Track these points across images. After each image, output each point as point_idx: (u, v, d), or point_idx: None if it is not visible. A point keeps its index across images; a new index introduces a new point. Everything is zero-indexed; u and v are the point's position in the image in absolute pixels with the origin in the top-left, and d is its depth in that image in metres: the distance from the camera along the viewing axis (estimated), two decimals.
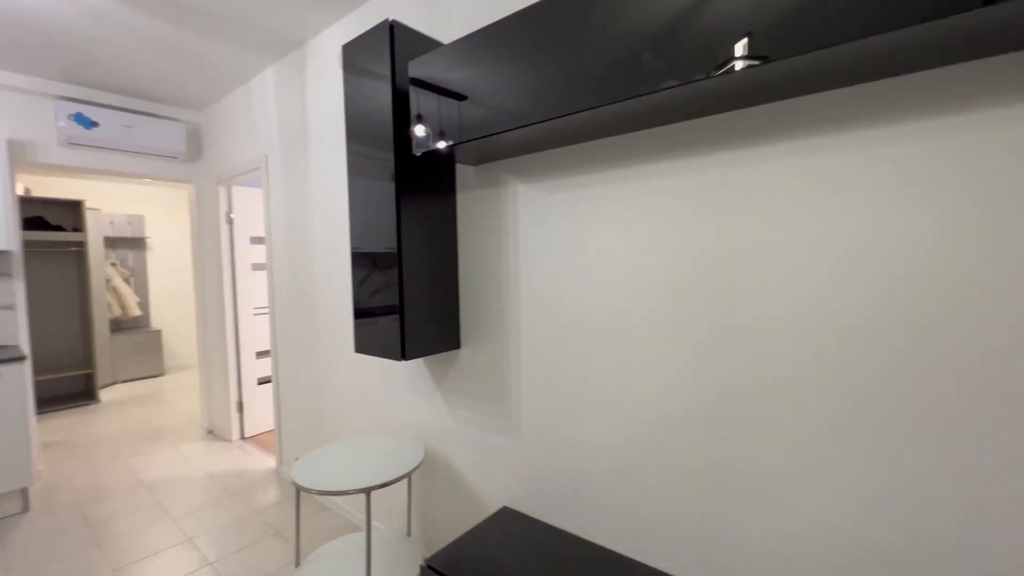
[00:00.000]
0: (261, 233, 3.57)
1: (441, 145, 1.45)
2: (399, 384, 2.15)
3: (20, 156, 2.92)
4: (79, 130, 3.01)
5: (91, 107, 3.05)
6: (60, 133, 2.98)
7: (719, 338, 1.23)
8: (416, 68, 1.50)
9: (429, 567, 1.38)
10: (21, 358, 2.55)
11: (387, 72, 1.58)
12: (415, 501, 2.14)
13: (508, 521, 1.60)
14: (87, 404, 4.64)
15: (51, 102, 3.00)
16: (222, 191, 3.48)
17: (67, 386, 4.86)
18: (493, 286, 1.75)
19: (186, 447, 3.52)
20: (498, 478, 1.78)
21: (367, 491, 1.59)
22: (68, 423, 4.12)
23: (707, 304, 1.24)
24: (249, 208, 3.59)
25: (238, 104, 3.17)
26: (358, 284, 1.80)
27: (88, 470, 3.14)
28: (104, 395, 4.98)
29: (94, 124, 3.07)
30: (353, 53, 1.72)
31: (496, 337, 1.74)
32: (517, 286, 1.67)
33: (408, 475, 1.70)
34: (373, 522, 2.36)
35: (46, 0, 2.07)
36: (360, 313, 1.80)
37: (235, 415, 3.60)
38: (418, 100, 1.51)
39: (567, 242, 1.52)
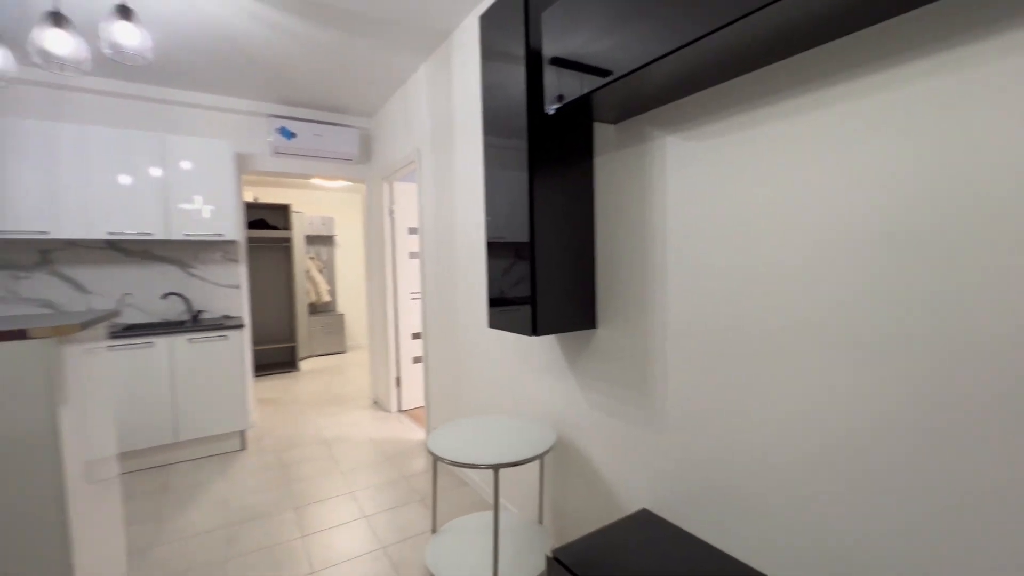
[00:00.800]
0: (417, 224, 3.89)
1: (579, 91, 1.31)
2: (533, 364, 2.09)
3: (244, 165, 3.65)
4: (283, 141, 3.64)
5: (290, 121, 3.66)
6: (270, 145, 3.64)
7: (968, 328, 0.86)
8: (551, 14, 1.39)
9: (556, 559, 1.26)
10: (242, 326, 3.17)
11: (521, 31, 1.51)
12: (547, 488, 2.05)
13: (647, 525, 1.39)
14: (290, 371, 5.67)
15: (263, 119, 3.68)
16: (385, 187, 3.88)
17: (276, 356, 6.00)
18: (635, 259, 1.55)
19: (356, 413, 4.02)
20: (637, 474, 1.58)
21: (495, 467, 1.54)
22: (276, 385, 5.07)
23: (944, 272, 0.88)
24: (408, 201, 3.94)
25: (398, 106, 3.49)
26: (492, 259, 1.77)
27: (286, 423, 3.79)
28: (302, 365, 6.02)
29: (293, 135, 3.67)
30: (488, 22, 1.69)
31: (637, 316, 1.55)
32: (664, 259, 1.44)
33: (538, 458, 1.61)
34: (507, 504, 2.34)
35: (249, 25, 2.50)
36: (493, 289, 1.77)
37: (394, 389, 3.99)
38: (554, 43, 1.39)
39: (732, 200, 1.25)
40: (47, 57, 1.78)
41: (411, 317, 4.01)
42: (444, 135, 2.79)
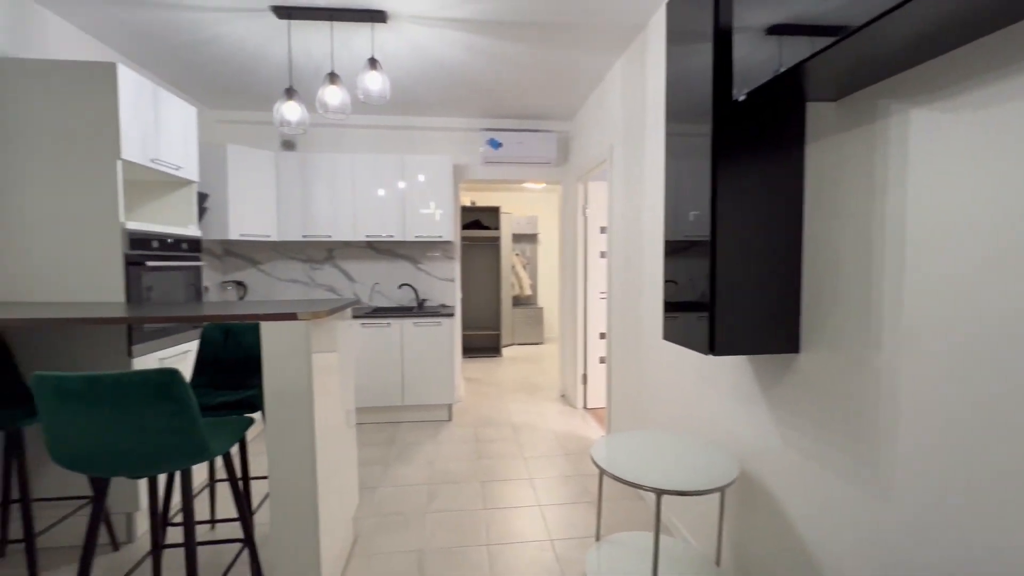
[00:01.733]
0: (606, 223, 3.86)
1: (789, 60, 1.09)
2: (718, 384, 1.84)
3: (460, 175, 4.21)
4: (491, 151, 4.06)
5: (497, 132, 4.05)
6: (481, 155, 4.11)
7: None
8: None
9: None
10: (452, 314, 3.69)
11: (709, 4, 1.33)
12: (727, 525, 1.80)
13: None
14: (494, 356, 6.33)
15: (476, 133, 4.17)
16: (579, 187, 3.95)
17: (483, 341, 6.77)
18: (858, 268, 1.21)
19: (544, 404, 4.24)
20: (845, 542, 1.25)
21: (658, 492, 1.42)
22: (481, 368, 5.74)
23: None
24: (600, 200, 3.93)
25: (594, 106, 3.50)
26: (669, 260, 1.63)
27: (485, 403, 4.26)
28: (505, 352, 6.65)
29: (500, 144, 4.06)
30: (674, 4, 1.54)
31: (858, 344, 1.21)
32: (900, 269, 1.09)
33: (716, 491, 1.42)
34: (683, 532, 2.14)
35: (464, 55, 2.84)
36: (669, 295, 1.63)
37: (580, 386, 4.07)
38: (753, 8, 1.18)
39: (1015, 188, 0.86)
40: (325, 107, 2.39)
41: (599, 316, 4.01)
42: (635, 130, 2.68)
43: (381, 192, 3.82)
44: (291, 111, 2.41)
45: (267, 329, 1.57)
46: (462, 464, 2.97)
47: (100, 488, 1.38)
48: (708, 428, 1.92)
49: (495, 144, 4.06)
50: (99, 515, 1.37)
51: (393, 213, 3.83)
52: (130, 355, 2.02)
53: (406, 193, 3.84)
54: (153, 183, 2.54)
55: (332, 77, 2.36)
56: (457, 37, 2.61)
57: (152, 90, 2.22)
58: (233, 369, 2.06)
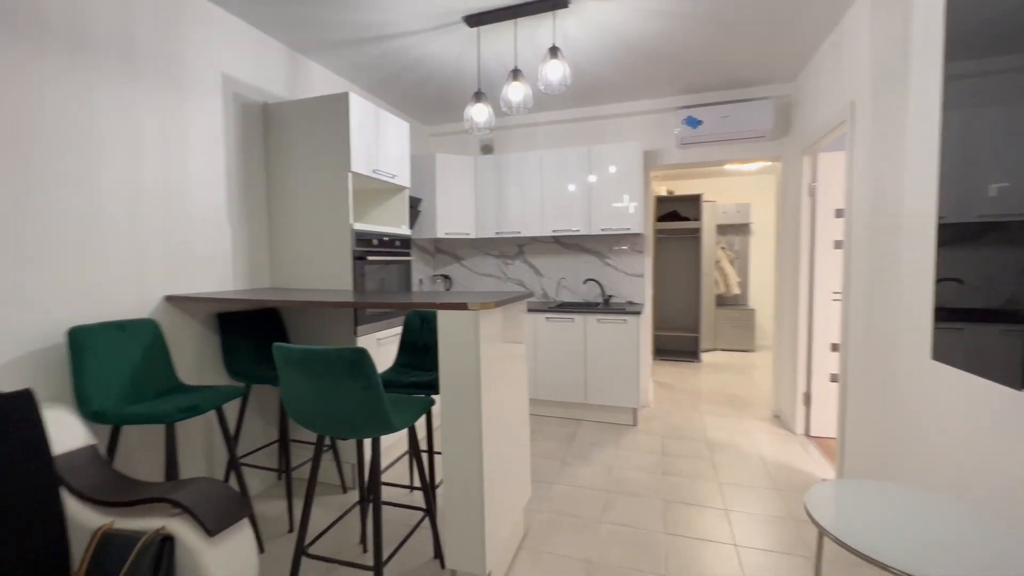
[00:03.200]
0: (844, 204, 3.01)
1: None
2: None
3: (650, 162, 3.88)
4: (688, 131, 3.62)
5: (695, 109, 3.58)
6: (676, 137, 3.70)
7: None
8: None
9: None
10: (639, 312, 3.43)
11: None
12: None
13: None
14: (691, 361, 5.72)
15: (669, 114, 3.77)
16: (806, 161, 3.19)
17: (678, 343, 6.18)
18: None
19: (749, 423, 3.60)
20: None
21: None
22: (674, 372, 5.24)
23: None
24: (834, 177, 3.11)
25: (827, 57, 2.77)
26: (946, 254, 1.11)
27: (677, 412, 3.85)
28: (704, 357, 5.96)
29: (699, 123, 3.59)
30: None
31: None
32: None
33: None
34: None
35: (645, 24, 2.55)
36: (948, 299, 1.11)
37: (800, 407, 3.31)
38: None
39: None
40: (509, 104, 2.44)
41: (829, 322, 3.18)
42: (890, 78, 1.99)
43: (568, 186, 3.79)
44: (479, 113, 2.56)
45: (442, 317, 1.65)
46: (644, 476, 2.72)
47: (319, 441, 1.67)
48: (1013, 498, 1.26)
49: (693, 123, 3.60)
50: (317, 462, 1.65)
51: (579, 207, 3.77)
52: (355, 334, 2.44)
53: (593, 185, 3.73)
54: (374, 191, 3.04)
55: (515, 74, 2.40)
56: (645, 4, 2.36)
57: (374, 111, 2.63)
58: (427, 352, 2.29)
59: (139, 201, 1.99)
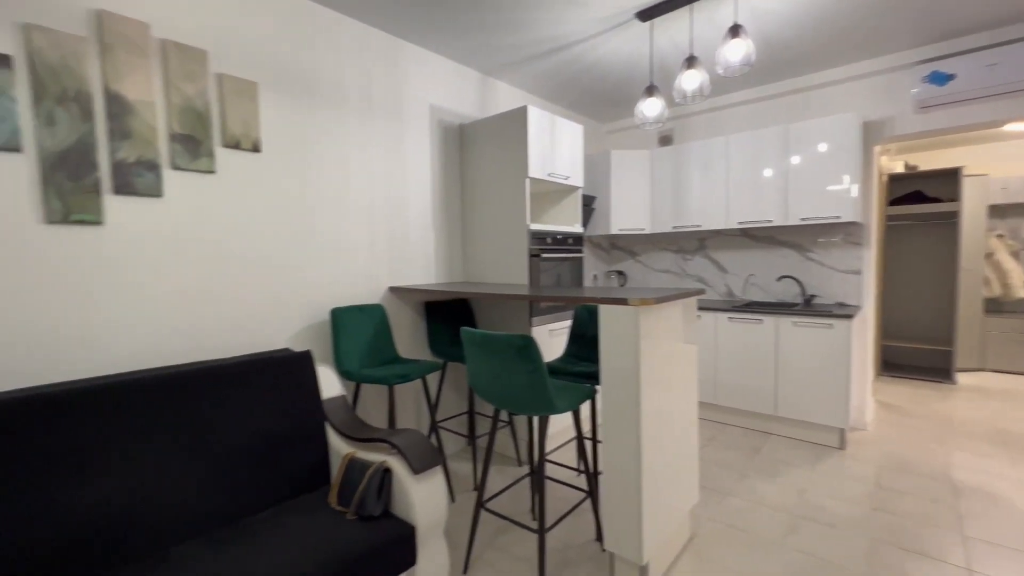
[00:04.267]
0: None
1: None
2: None
3: (874, 134, 3.19)
4: (932, 90, 2.87)
5: (943, 61, 2.81)
6: (913, 99, 2.97)
7: None
8: None
9: None
10: (851, 316, 2.89)
11: None
12: None
13: None
14: (940, 382, 4.49)
15: (902, 74, 3.04)
16: None
17: (919, 358, 4.90)
18: None
19: None
20: None
21: None
22: (908, 392, 4.20)
23: None
24: None
25: None
26: None
27: (906, 441, 3.12)
28: (962, 379, 4.60)
29: (949, 78, 2.82)
30: None
31: None
32: None
33: None
34: None
35: None
36: None
37: None
38: None
39: None
40: (683, 95, 2.36)
41: None
42: None
43: (760, 172, 3.41)
44: (650, 108, 2.52)
45: (604, 312, 1.73)
46: (846, 507, 2.32)
47: (497, 414, 1.93)
48: None
49: (940, 79, 2.85)
50: (494, 433, 1.91)
51: (773, 194, 3.35)
52: (530, 324, 2.69)
53: (792, 169, 3.27)
54: (549, 192, 3.25)
55: (689, 61, 2.30)
56: None
57: (550, 119, 2.83)
58: (594, 344, 2.39)
59: (372, 213, 2.58)
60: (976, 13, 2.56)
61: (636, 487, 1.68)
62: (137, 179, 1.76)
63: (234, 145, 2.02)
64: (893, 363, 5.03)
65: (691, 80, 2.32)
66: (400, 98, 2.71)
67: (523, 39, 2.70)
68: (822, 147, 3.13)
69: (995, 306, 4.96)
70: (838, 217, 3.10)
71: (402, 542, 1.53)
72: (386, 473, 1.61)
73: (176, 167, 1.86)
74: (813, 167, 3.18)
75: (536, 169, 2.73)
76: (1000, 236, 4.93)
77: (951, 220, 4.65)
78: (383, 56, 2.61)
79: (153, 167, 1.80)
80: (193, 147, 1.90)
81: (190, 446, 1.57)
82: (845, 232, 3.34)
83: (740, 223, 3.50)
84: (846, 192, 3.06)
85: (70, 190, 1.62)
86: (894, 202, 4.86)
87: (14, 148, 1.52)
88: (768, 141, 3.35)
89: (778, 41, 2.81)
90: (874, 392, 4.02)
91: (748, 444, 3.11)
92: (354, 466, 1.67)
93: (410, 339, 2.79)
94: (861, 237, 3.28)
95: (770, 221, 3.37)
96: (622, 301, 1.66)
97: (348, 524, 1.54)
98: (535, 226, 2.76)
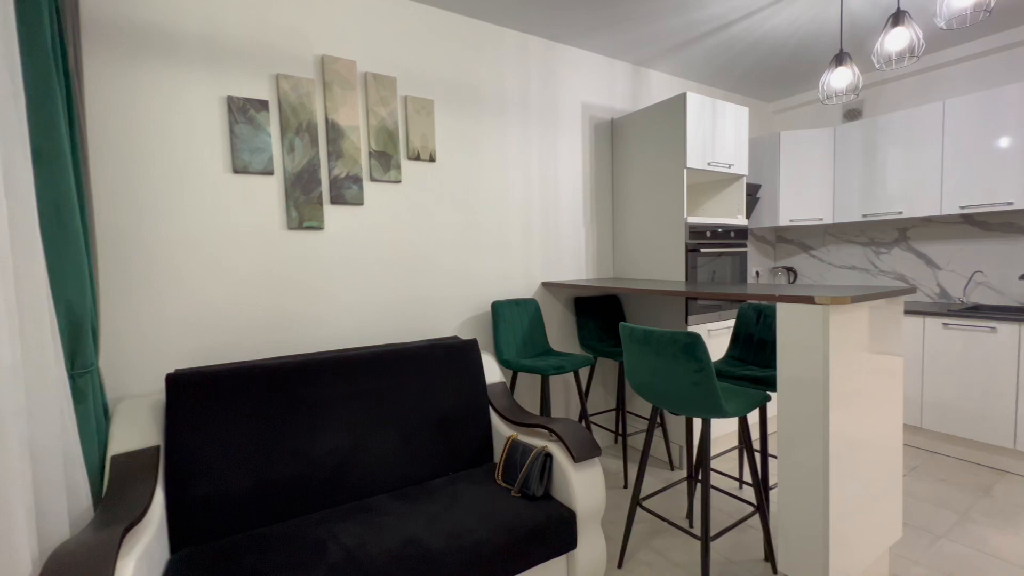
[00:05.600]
0: None
1: None
2: None
3: None
4: None
5: None
6: None
7: None
8: None
9: None
10: None
11: None
12: None
13: None
14: None
15: None
16: None
17: None
18: None
19: None
20: None
21: None
22: None
23: None
24: None
25: None
26: None
27: None
28: None
29: None
30: None
31: None
32: None
33: None
34: None
35: None
36: None
37: None
38: None
39: None
40: (888, 59, 1.99)
41: None
42: None
43: (992, 143, 2.71)
44: (839, 78, 2.19)
45: (783, 311, 1.57)
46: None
47: (654, 413, 1.89)
48: None
49: None
50: (651, 431, 1.87)
51: (1013, 169, 2.64)
52: (686, 323, 2.55)
53: None
54: (709, 183, 3.02)
55: (896, 18, 1.94)
56: None
57: (711, 104, 2.64)
58: (763, 348, 2.17)
59: (528, 211, 2.71)
60: None
61: (821, 510, 1.49)
62: (347, 191, 2.13)
63: (415, 157, 2.31)
64: None
65: (897, 40, 1.95)
66: (554, 99, 2.79)
67: (677, 23, 2.56)
68: None
69: None
70: None
71: (564, 524, 1.60)
72: (548, 458, 1.69)
73: (373, 179, 2.21)
74: None
75: (695, 159, 2.58)
76: None
77: None
78: (539, 60, 2.72)
79: (357, 180, 2.16)
80: (385, 161, 2.23)
81: (385, 414, 1.86)
82: None
83: (962, 207, 2.83)
84: None
85: (303, 202, 2.03)
86: None
87: (269, 172, 1.96)
88: (1009, 102, 2.64)
89: None
90: None
91: (972, 481, 2.51)
92: (516, 448, 1.79)
93: (560, 333, 2.87)
94: None
95: (1010, 204, 2.65)
96: (808, 299, 1.48)
97: (513, 500, 1.66)
98: (693, 219, 2.61)
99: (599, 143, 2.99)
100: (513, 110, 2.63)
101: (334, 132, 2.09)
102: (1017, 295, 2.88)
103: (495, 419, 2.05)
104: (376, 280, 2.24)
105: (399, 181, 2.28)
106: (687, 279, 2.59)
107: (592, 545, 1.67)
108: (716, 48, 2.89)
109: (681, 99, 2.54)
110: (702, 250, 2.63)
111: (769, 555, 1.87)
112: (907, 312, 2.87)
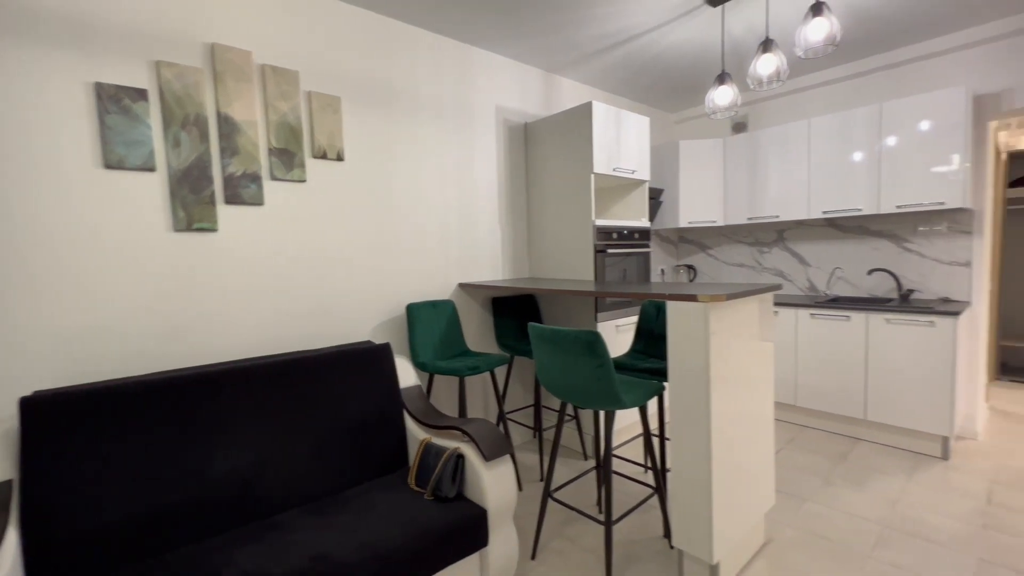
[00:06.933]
0: None
1: None
2: None
3: (987, 109, 2.83)
4: None
5: None
6: None
7: None
8: None
9: None
10: (957, 313, 2.61)
11: None
12: None
13: None
14: None
15: (1022, 39, 2.67)
16: None
17: None
18: None
19: None
20: None
21: None
22: None
23: None
24: None
25: None
26: None
27: None
28: None
29: None
30: None
31: None
32: None
33: None
34: None
35: None
36: None
37: None
38: None
39: None
40: (759, 81, 2.25)
41: None
42: None
43: (848, 156, 3.15)
44: (721, 96, 2.43)
45: (672, 309, 1.72)
46: (950, 523, 2.12)
47: (563, 407, 1.98)
48: None
49: None
50: (560, 425, 1.96)
51: (864, 180, 3.09)
52: (595, 320, 2.70)
53: (886, 152, 2.99)
54: (615, 187, 3.22)
55: (764, 45, 2.19)
56: None
57: (615, 113, 2.81)
58: (661, 341, 2.36)
59: (444, 213, 2.71)
60: None
61: (706, 486, 1.66)
62: (244, 190, 2.00)
63: (321, 155, 2.22)
64: (1014, 366, 4.44)
65: (767, 65, 2.21)
66: (469, 102, 2.81)
67: (587, 35, 2.69)
68: (923, 126, 2.84)
69: None
70: (942, 203, 2.80)
71: (475, 522, 1.63)
72: (459, 459, 1.71)
73: (274, 178, 2.09)
74: (911, 149, 2.89)
75: (601, 164, 2.73)
76: None
77: None
78: (453, 62, 2.72)
79: (256, 179, 2.03)
80: (288, 159, 2.12)
81: (293, 426, 1.77)
82: (951, 219, 3.00)
83: (825, 212, 3.26)
84: (953, 175, 2.76)
85: (192, 202, 1.88)
86: (1015, 183, 4.28)
87: (150, 168, 1.79)
88: (858, 122, 3.09)
89: (868, 14, 2.58)
90: (987, 398, 3.58)
91: (833, 449, 2.91)
92: (430, 451, 1.79)
93: (478, 333, 2.91)
94: (971, 224, 2.94)
95: (859, 210, 3.11)
96: (691, 297, 1.64)
97: (426, 503, 1.66)
98: (600, 221, 2.76)
99: (514, 146, 3.06)
100: (427, 111, 2.61)
101: (228, 127, 1.95)
102: (867, 287, 3.38)
103: (410, 423, 2.04)
104: (281, 284, 2.13)
105: (304, 180, 2.17)
106: (596, 278, 2.74)
107: (504, 541, 1.72)
108: (622, 60, 3.07)
109: (587, 107, 2.68)
110: (609, 251, 2.80)
111: (667, 532, 2.05)
112: (782, 304, 3.26)
